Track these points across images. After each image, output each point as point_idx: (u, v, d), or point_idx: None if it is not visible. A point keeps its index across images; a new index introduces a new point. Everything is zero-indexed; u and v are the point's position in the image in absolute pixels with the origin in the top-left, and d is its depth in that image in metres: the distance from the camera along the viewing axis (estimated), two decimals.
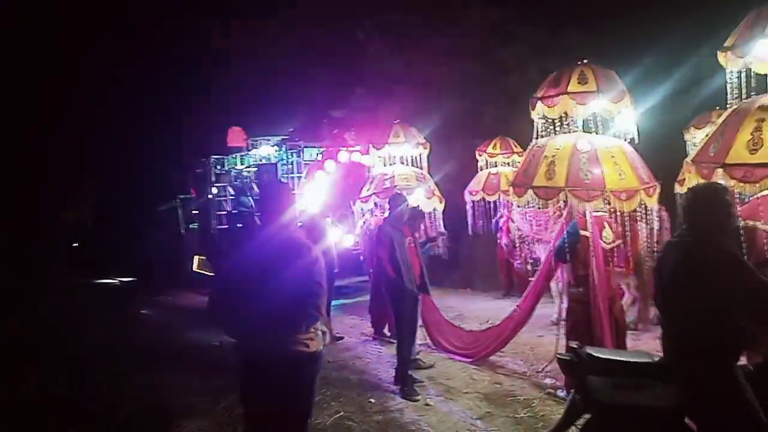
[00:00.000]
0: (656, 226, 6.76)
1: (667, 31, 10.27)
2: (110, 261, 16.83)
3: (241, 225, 12.29)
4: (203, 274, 12.62)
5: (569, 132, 4.96)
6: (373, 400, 5.18)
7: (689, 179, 3.99)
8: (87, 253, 18.80)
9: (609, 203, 4.62)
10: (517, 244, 7.60)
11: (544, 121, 5.00)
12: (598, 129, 4.98)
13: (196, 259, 13.01)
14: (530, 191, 4.68)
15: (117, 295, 13.52)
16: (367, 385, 5.63)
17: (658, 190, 4.74)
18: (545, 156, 4.70)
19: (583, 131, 4.97)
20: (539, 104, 4.94)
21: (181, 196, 15.11)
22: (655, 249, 6.50)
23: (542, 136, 5.05)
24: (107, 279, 16.53)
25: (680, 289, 2.85)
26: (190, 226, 14.65)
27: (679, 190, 4.85)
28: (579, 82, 4.78)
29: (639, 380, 3.04)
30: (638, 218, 4.91)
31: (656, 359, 3.09)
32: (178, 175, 15.46)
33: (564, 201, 4.65)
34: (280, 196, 3.28)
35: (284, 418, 3.07)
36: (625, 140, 4.91)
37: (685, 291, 2.82)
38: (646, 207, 4.74)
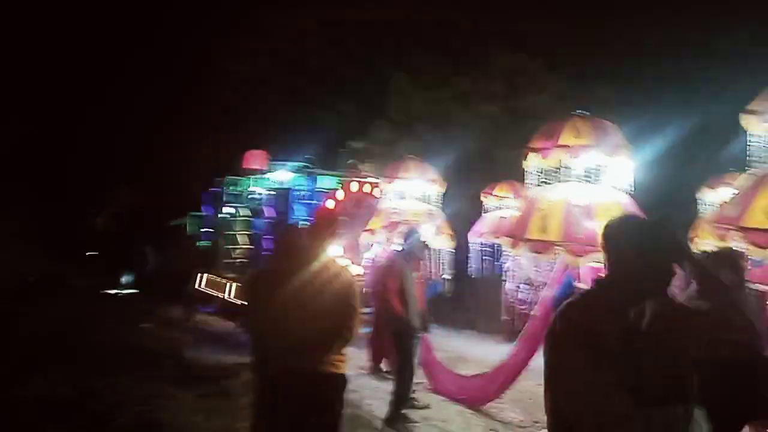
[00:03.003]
0: None
1: (687, 89, 10.37)
2: (119, 272, 16.89)
3: (252, 246, 12.31)
4: (206, 292, 12.60)
5: (565, 181, 4.95)
6: None
7: (703, 238, 3.94)
8: (100, 262, 18.99)
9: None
10: (523, 288, 7.51)
11: (539, 170, 5.00)
12: (595, 179, 4.95)
13: (200, 276, 13.00)
14: (523, 243, 4.66)
15: (122, 307, 13.49)
16: (359, 421, 5.49)
17: None
18: (538, 208, 4.69)
19: (582, 181, 4.96)
20: (532, 155, 4.95)
21: (193, 213, 15.21)
22: None
23: (540, 185, 5.06)
24: (115, 290, 16.56)
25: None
26: (200, 243, 14.69)
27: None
28: (573, 135, 4.78)
29: None
30: None
31: None
32: (194, 191, 15.61)
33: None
34: (330, 223, 3.43)
35: None
36: (624, 192, 4.90)
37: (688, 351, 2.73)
38: None
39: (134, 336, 9.42)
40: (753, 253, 3.53)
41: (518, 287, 7.40)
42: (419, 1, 15.00)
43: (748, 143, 4.04)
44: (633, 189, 4.93)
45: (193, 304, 11.57)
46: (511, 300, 8.68)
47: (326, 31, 15.97)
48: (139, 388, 6.14)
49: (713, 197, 7.60)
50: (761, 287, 3.73)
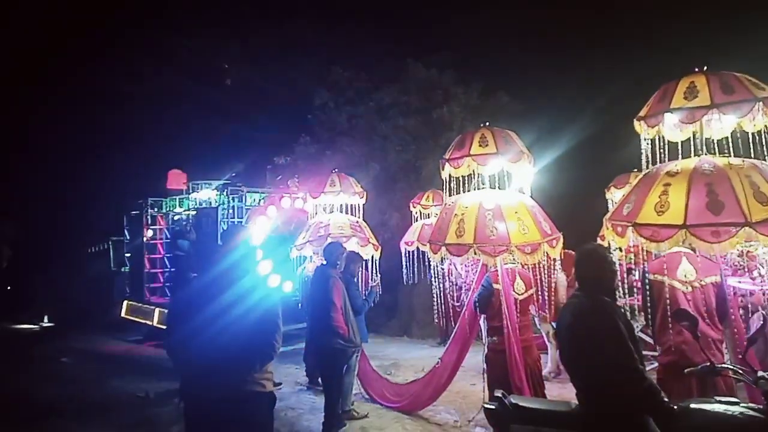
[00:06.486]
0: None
1: (587, 97, 11.13)
2: (31, 304, 15.81)
3: (174, 269, 11.93)
4: (132, 320, 12.08)
5: (477, 188, 5.32)
6: None
7: (607, 235, 4.27)
8: (5, 294, 17.63)
9: (514, 258, 4.87)
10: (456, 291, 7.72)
11: (454, 179, 5.34)
12: (503, 184, 5.35)
13: (124, 304, 12.44)
14: (443, 248, 4.91)
15: (36, 341, 12.66)
16: None
17: (561, 242, 5.08)
18: (455, 214, 5.01)
19: (490, 187, 5.33)
20: (447, 165, 5.27)
21: (114, 238, 14.55)
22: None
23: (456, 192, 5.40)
24: (26, 324, 15.51)
25: (575, 347, 3.06)
26: (122, 269, 14.06)
27: None
28: (480, 145, 5.21)
29: (559, 428, 3.16)
30: (557, 268, 5.19)
31: (575, 408, 3.23)
32: (112, 215, 14.93)
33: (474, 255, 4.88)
34: (240, 235, 3.39)
35: None
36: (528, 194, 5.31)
37: (579, 349, 3.02)
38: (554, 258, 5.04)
39: (52, 372, 8.90)
40: (647, 246, 3.89)
41: (452, 286, 7.61)
42: (333, 21, 15.29)
43: (642, 145, 4.42)
44: (531, 192, 5.34)
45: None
46: (442, 303, 8.87)
47: (247, 50, 15.85)
48: (55, 428, 5.82)
49: (620, 196, 8.16)
50: (659, 277, 4.09)
